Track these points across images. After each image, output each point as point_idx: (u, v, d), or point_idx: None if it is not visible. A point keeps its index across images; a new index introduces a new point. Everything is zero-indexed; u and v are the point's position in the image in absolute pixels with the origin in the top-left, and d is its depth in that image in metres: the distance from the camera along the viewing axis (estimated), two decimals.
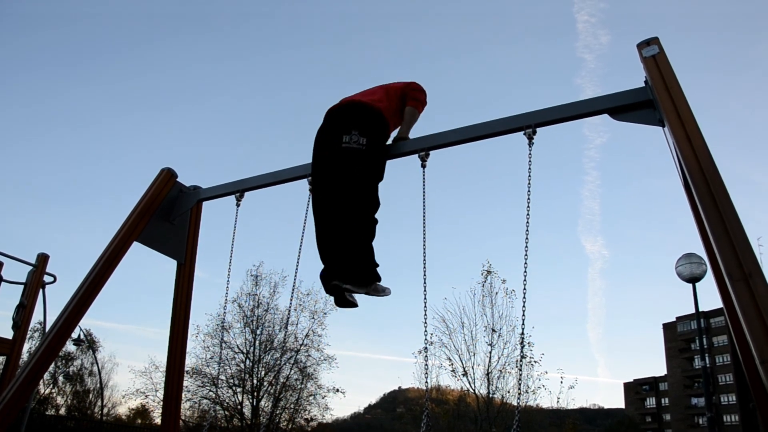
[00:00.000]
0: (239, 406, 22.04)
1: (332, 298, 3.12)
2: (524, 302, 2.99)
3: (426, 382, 3.33)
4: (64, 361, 31.19)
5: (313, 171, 3.45)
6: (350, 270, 3.05)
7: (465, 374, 18.61)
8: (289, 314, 25.23)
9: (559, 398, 19.56)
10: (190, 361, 21.47)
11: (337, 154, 3.24)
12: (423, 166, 3.44)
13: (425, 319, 3.12)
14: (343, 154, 3.21)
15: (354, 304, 3.18)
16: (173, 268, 4.45)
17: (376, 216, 3.26)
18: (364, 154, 3.20)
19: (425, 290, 3.15)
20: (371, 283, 3.17)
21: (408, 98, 3.69)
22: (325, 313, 22.67)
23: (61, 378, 31.49)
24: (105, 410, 30.78)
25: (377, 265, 3.19)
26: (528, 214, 3.08)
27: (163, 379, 4.67)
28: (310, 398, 22.68)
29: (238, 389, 22.16)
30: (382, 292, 3.24)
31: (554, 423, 23.97)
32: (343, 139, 3.22)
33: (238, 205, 4.12)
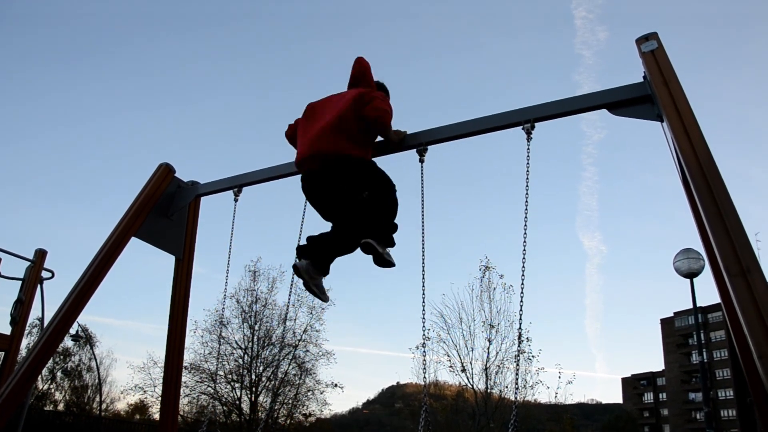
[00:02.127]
0: (238, 402, 22.10)
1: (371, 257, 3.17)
2: (522, 297, 3.00)
3: (424, 377, 3.34)
4: (62, 357, 31.15)
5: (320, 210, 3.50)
6: (378, 231, 3.17)
7: (463, 370, 18.66)
8: (287, 309, 25.24)
9: (557, 393, 19.60)
10: (188, 357, 21.52)
11: (347, 205, 3.32)
12: (421, 161, 3.44)
13: (423, 314, 3.13)
14: (355, 205, 3.29)
15: (392, 263, 3.24)
16: (171, 263, 4.44)
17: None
18: (371, 199, 3.25)
19: (423, 286, 3.15)
20: (390, 245, 3.28)
21: (366, 116, 3.27)
22: (323, 309, 22.74)
23: (59, 374, 31.46)
24: (103, 406, 30.79)
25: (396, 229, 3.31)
26: (526, 210, 3.08)
27: (162, 374, 4.66)
28: (309, 393, 22.77)
29: (237, 384, 22.22)
30: (389, 257, 3.24)
31: (552, 418, 24.03)
32: (345, 201, 3.30)
33: (236, 201, 4.11)
